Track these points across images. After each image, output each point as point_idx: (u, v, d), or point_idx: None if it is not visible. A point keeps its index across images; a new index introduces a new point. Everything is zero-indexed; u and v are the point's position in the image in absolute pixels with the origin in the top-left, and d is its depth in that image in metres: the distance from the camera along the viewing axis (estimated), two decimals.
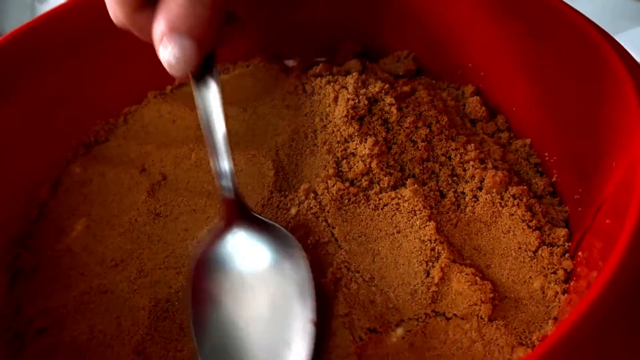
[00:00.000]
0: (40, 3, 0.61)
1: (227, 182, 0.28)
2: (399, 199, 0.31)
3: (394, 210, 0.31)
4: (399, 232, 0.30)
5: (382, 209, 0.31)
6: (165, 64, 0.26)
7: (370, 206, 0.31)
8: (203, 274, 0.28)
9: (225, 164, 0.28)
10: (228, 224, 0.29)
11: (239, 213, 0.29)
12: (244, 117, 0.38)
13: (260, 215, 0.29)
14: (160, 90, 0.42)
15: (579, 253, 0.26)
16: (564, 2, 0.29)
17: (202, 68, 0.27)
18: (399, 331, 0.27)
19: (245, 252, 0.28)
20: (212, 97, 0.28)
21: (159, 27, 0.25)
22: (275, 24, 0.43)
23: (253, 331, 0.26)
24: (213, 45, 0.27)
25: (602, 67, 0.25)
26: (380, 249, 0.29)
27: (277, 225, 0.29)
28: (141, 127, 0.40)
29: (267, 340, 0.26)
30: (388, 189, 0.31)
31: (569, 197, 0.29)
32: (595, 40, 0.26)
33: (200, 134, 0.38)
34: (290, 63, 0.43)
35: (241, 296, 0.27)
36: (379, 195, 0.31)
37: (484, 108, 0.36)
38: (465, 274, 0.27)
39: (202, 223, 0.32)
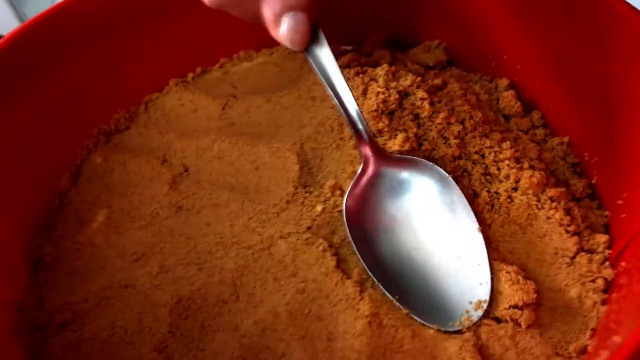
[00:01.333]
0: None
1: (362, 126, 0.29)
2: None
3: None
4: None
5: None
6: (284, 40, 0.27)
7: None
8: (362, 217, 0.29)
9: (354, 110, 0.29)
10: (373, 166, 0.30)
11: (378, 154, 0.30)
12: (267, 108, 0.37)
13: (392, 152, 0.30)
14: (182, 78, 0.41)
15: (622, 263, 0.24)
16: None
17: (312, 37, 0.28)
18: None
19: (396, 187, 0.30)
20: (327, 60, 0.29)
21: (274, 5, 0.26)
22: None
23: (429, 251, 0.28)
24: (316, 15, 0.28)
25: None
26: None
27: (413, 157, 0.30)
28: (162, 116, 0.39)
29: (445, 254, 0.28)
30: None
31: (610, 202, 0.27)
32: None
33: (222, 125, 0.37)
34: None
35: (407, 225, 0.29)
36: None
37: (519, 103, 0.34)
38: (507, 272, 0.26)
39: (224, 218, 0.31)
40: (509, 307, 0.25)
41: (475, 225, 0.28)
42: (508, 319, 0.25)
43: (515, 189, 0.29)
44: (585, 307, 0.25)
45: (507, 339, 0.25)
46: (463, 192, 0.29)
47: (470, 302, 0.26)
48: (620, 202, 0.26)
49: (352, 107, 0.29)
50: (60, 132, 0.36)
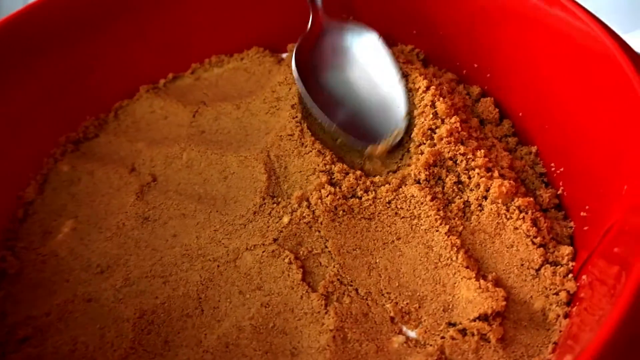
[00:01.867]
0: None
1: None
2: (398, 204, 0.30)
3: (392, 217, 0.30)
4: (399, 238, 0.29)
5: (378, 217, 0.30)
6: None
7: (366, 216, 0.30)
8: (312, 57, 0.35)
9: None
10: (318, 27, 0.35)
11: (325, 17, 0.35)
12: (237, 114, 0.37)
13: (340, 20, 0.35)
14: (153, 84, 0.40)
15: (583, 276, 0.24)
16: (579, 6, 0.27)
17: None
18: (400, 338, 0.26)
19: (339, 41, 0.35)
20: None
21: None
22: (273, 15, 0.41)
23: (363, 89, 0.34)
24: None
25: (618, 82, 0.23)
26: (377, 260, 0.28)
27: (354, 22, 0.35)
28: (132, 123, 0.39)
29: (374, 94, 0.34)
30: (388, 196, 0.30)
31: (575, 213, 0.27)
32: (612, 52, 0.24)
33: (192, 132, 0.37)
34: (286, 56, 0.41)
35: (347, 67, 0.35)
36: (376, 202, 0.30)
37: (497, 109, 0.34)
38: (475, 280, 0.26)
39: (191, 229, 0.31)
40: (478, 317, 0.25)
41: (397, 77, 0.33)
42: (475, 331, 0.25)
43: (485, 198, 0.29)
44: (549, 320, 0.25)
45: (471, 353, 0.25)
46: (438, 197, 0.29)
47: (392, 130, 0.32)
48: (583, 214, 0.26)
49: None
50: (27, 140, 0.35)
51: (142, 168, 0.35)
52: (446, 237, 0.28)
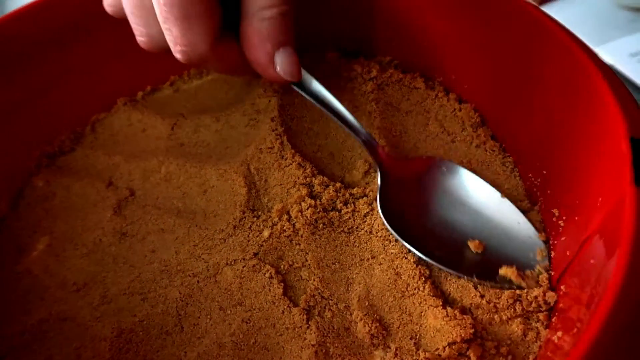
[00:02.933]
0: None
1: (372, 139, 0.31)
2: (373, 219, 0.30)
3: (368, 233, 0.30)
4: (373, 257, 0.29)
5: (356, 231, 0.30)
6: (285, 75, 0.29)
7: (346, 229, 0.30)
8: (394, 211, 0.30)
9: (361, 129, 0.31)
10: (392, 170, 0.31)
11: (392, 159, 0.31)
12: (216, 127, 0.37)
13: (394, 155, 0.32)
14: (131, 97, 0.40)
15: (562, 287, 0.24)
16: (552, 20, 0.28)
17: None
18: (382, 353, 0.26)
19: (417, 181, 0.31)
20: (317, 87, 0.31)
21: (264, 46, 0.27)
22: None
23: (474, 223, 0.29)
24: None
25: (589, 94, 0.24)
26: (354, 276, 0.28)
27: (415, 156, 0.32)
28: (110, 136, 0.38)
29: (488, 223, 0.29)
30: (365, 210, 0.30)
31: (553, 223, 0.28)
32: (585, 65, 0.24)
33: (171, 145, 0.36)
34: None
35: (442, 205, 0.30)
36: (355, 215, 0.30)
37: (477, 114, 0.34)
38: (442, 308, 0.26)
39: (169, 244, 0.30)
40: (448, 345, 0.25)
41: (497, 193, 0.29)
42: (455, 354, 0.25)
43: None
44: (528, 338, 0.25)
45: None
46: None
47: (532, 253, 0.27)
48: (561, 223, 0.27)
49: (358, 126, 0.31)
50: None
51: (119, 182, 0.34)
52: (415, 265, 0.27)
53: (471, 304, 0.26)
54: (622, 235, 0.18)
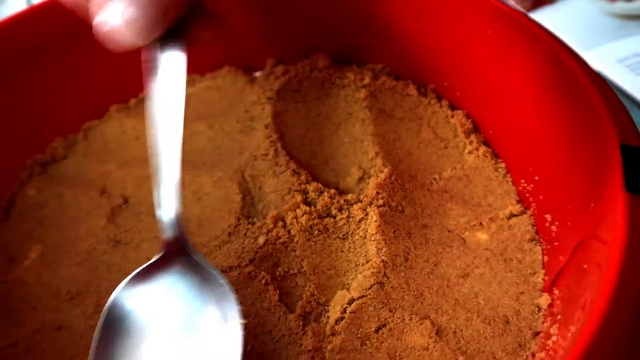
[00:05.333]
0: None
1: (167, 215, 0.24)
2: (367, 223, 0.30)
3: (362, 239, 0.30)
4: (367, 261, 0.29)
5: (351, 237, 0.30)
6: (109, 28, 0.21)
7: (340, 235, 0.30)
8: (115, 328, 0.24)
9: (171, 190, 0.23)
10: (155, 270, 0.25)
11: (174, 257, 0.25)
12: (210, 134, 0.37)
13: (198, 257, 0.25)
14: (124, 104, 0.40)
15: (555, 291, 0.25)
16: (541, 27, 0.28)
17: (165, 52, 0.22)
18: None
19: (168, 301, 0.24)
20: (173, 94, 0.23)
21: None
22: (244, 34, 0.41)
23: None
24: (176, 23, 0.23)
25: (582, 103, 0.24)
26: (349, 282, 0.28)
27: (213, 271, 0.25)
28: (102, 144, 0.38)
29: None
30: (359, 215, 0.30)
31: (545, 228, 0.28)
32: (574, 72, 0.25)
33: None
34: (259, 74, 0.41)
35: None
36: (349, 221, 0.30)
37: (469, 120, 0.35)
38: (425, 327, 0.26)
39: None
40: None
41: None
42: None
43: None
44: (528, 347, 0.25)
45: None
46: (410, 224, 0.30)
47: None
48: (554, 228, 0.27)
49: (172, 183, 0.24)
50: None
51: (112, 190, 0.34)
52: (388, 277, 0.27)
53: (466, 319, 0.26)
54: (615, 240, 0.19)
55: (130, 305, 0.24)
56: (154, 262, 0.25)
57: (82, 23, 0.37)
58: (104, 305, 0.28)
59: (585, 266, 0.21)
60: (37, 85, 0.37)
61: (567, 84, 0.25)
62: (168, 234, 0.25)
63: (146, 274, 0.25)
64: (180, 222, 0.25)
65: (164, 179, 0.24)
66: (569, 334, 0.20)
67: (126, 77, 0.40)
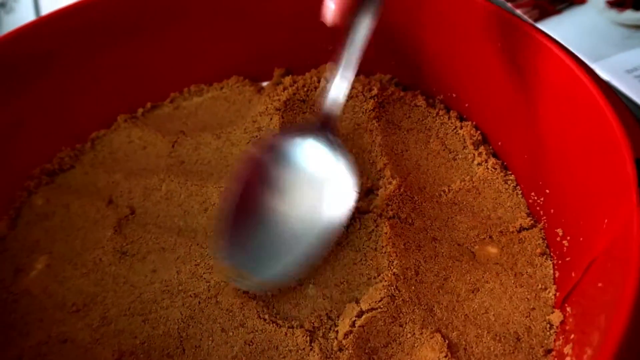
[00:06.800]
0: (6, 13, 0.58)
1: (335, 95, 0.29)
2: (377, 235, 0.30)
3: (373, 250, 0.29)
4: (379, 274, 0.29)
5: (363, 249, 0.30)
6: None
7: (353, 248, 0.29)
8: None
9: (346, 81, 0.29)
10: (310, 130, 0.30)
11: (323, 126, 0.30)
12: (217, 144, 0.37)
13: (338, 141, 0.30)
14: (131, 114, 0.40)
15: (568, 308, 0.24)
16: (551, 38, 0.28)
17: None
18: None
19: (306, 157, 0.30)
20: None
21: None
22: (252, 44, 0.41)
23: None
24: None
25: (592, 116, 0.24)
26: (362, 297, 0.28)
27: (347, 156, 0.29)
28: (109, 154, 0.38)
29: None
30: (370, 227, 0.30)
31: (557, 243, 0.27)
32: (584, 85, 0.24)
33: (172, 163, 0.36)
34: (266, 84, 0.41)
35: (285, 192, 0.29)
36: (360, 233, 0.30)
37: (479, 132, 0.35)
38: (437, 341, 0.25)
39: (171, 264, 0.30)
40: None
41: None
42: None
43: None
44: None
45: None
46: (420, 237, 0.29)
47: None
48: (565, 243, 0.27)
49: (349, 73, 0.29)
50: None
51: (119, 200, 0.34)
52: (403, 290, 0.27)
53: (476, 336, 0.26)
54: (631, 259, 0.18)
55: (286, 147, 0.30)
56: (309, 125, 0.31)
57: (89, 36, 0.37)
58: (109, 318, 0.28)
59: (600, 285, 0.21)
60: (45, 95, 0.37)
61: (578, 97, 0.25)
62: (326, 109, 0.30)
63: (299, 131, 0.31)
64: (338, 108, 0.30)
65: (342, 72, 0.29)
66: (585, 356, 0.19)
67: (134, 87, 0.40)
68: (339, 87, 0.29)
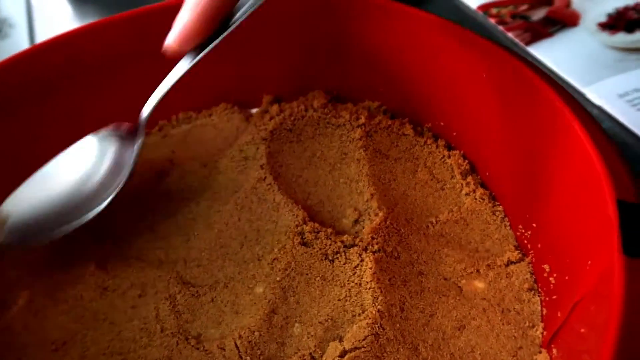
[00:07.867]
0: (1, 39, 0.58)
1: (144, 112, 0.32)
2: (362, 270, 0.29)
3: (358, 286, 0.29)
4: (363, 311, 0.28)
5: (348, 284, 0.29)
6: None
7: (338, 283, 0.29)
8: None
9: (155, 98, 0.32)
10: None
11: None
12: (204, 173, 0.36)
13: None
14: None
15: (554, 349, 0.24)
16: (536, 69, 0.28)
17: None
18: None
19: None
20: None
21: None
22: (241, 71, 0.41)
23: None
24: None
25: (575, 155, 0.23)
26: (345, 334, 0.27)
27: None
28: None
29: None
30: (355, 261, 0.30)
31: (543, 279, 0.27)
32: (568, 121, 0.24)
33: (158, 193, 0.36)
34: (255, 112, 0.41)
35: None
36: (345, 268, 0.29)
37: (466, 161, 0.34)
38: None
39: (150, 299, 0.30)
40: None
41: None
42: None
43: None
44: None
45: None
46: (405, 271, 0.29)
47: None
48: (552, 280, 0.26)
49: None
50: None
51: (102, 232, 0.34)
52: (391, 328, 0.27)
53: None
54: (612, 307, 0.18)
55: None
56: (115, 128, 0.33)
57: (75, 64, 0.37)
58: (89, 358, 0.28)
59: (582, 330, 0.20)
60: (36, 122, 0.36)
61: (563, 133, 0.25)
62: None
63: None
64: (144, 122, 0.33)
65: (159, 89, 0.31)
66: None
67: (121, 115, 0.40)
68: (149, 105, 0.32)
